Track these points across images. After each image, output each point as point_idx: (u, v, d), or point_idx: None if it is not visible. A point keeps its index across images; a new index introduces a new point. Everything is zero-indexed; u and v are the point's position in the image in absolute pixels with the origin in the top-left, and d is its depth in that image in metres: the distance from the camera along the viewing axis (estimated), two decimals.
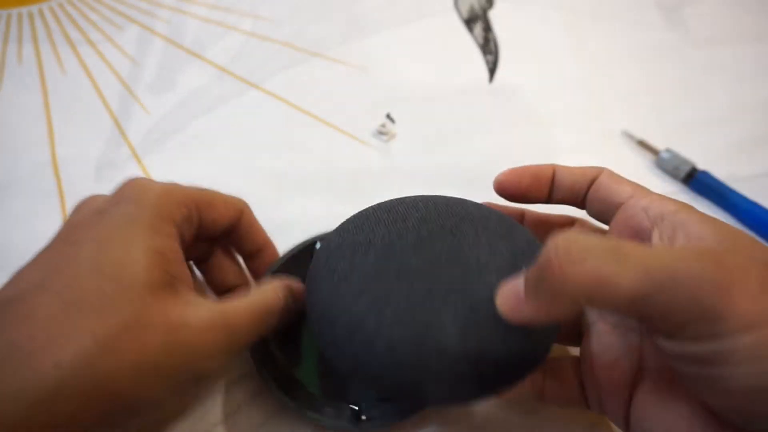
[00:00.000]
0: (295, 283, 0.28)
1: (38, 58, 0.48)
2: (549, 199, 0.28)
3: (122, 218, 0.23)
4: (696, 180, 0.40)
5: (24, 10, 0.52)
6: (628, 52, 0.50)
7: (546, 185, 0.27)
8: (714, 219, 0.22)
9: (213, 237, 0.29)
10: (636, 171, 0.41)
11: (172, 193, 0.25)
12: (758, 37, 0.51)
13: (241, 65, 0.48)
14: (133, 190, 0.25)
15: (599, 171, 0.26)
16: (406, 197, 0.27)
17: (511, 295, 0.21)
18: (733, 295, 0.18)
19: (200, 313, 0.23)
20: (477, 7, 0.54)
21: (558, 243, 0.18)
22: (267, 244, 0.31)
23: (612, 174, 0.26)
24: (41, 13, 0.52)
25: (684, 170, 0.40)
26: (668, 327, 0.19)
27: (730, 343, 0.18)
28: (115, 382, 0.20)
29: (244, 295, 0.25)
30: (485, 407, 0.30)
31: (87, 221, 0.24)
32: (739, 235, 0.21)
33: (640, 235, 0.24)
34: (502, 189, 0.27)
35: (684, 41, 0.51)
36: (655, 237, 0.22)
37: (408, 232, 0.24)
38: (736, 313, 0.18)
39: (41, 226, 0.31)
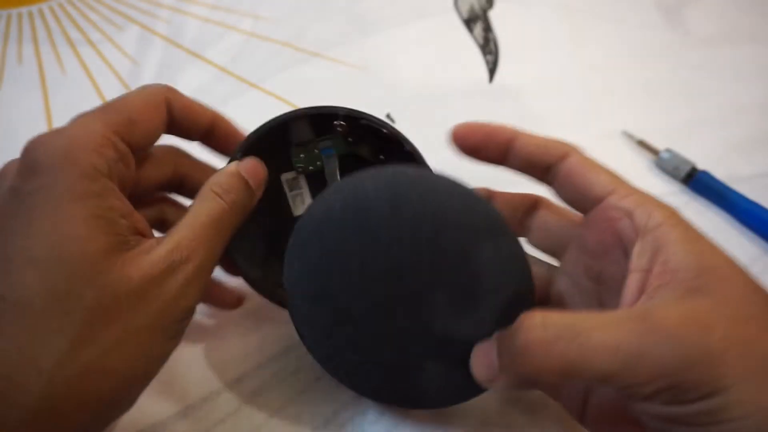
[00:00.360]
0: (251, 168, 0.26)
1: (38, 58, 0.48)
2: (505, 163, 0.27)
3: (42, 197, 0.21)
4: (696, 180, 0.40)
5: (24, 10, 0.52)
6: (628, 52, 0.50)
7: (499, 147, 0.26)
8: (697, 238, 0.21)
9: (148, 144, 0.26)
10: (636, 171, 0.41)
11: (84, 141, 0.22)
12: (758, 38, 0.51)
13: (241, 65, 0.48)
14: (42, 156, 0.22)
15: (566, 150, 0.25)
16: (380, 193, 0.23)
17: (484, 364, 0.22)
18: (720, 363, 0.18)
19: (156, 259, 0.22)
20: (477, 7, 0.54)
21: (525, 332, 0.20)
22: (216, 118, 0.28)
23: (584, 159, 0.25)
24: (41, 13, 0.52)
25: (684, 170, 0.40)
26: (643, 395, 0.19)
27: (724, 400, 0.18)
28: (105, 369, 0.21)
29: (186, 218, 0.24)
30: (485, 405, 0.29)
31: (4, 209, 0.21)
32: (718, 264, 0.21)
33: (623, 242, 0.23)
34: (455, 139, 0.26)
35: (684, 41, 0.51)
36: (636, 252, 0.22)
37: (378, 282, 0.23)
38: (727, 375, 0.18)
39: None
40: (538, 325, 0.19)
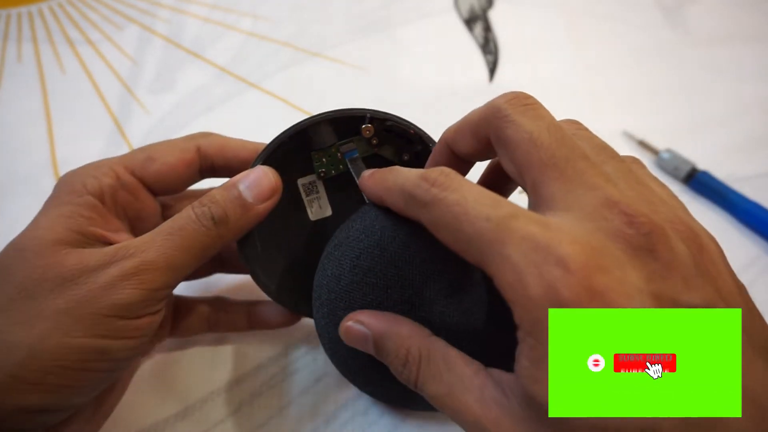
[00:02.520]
0: (254, 182, 0.25)
1: (38, 57, 0.48)
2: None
3: (41, 208, 0.25)
4: (696, 180, 0.40)
5: (24, 9, 0.52)
6: (628, 52, 0.50)
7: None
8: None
9: (177, 181, 0.28)
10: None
11: (88, 169, 0.26)
12: (758, 37, 0.51)
13: (240, 65, 0.48)
14: (59, 180, 0.26)
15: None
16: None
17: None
18: None
19: (99, 254, 0.23)
20: (477, 7, 0.54)
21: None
22: (252, 155, 0.28)
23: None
24: (41, 13, 0.52)
25: (684, 170, 0.40)
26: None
27: None
28: (11, 340, 0.21)
29: (159, 228, 0.24)
30: None
31: None
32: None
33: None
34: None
35: (684, 41, 0.51)
36: None
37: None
38: None
39: None
40: None
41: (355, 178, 0.27)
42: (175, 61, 0.48)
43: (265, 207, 0.25)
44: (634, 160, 0.23)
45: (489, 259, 0.18)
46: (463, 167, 0.25)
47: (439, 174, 0.21)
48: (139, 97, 0.45)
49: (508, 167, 0.21)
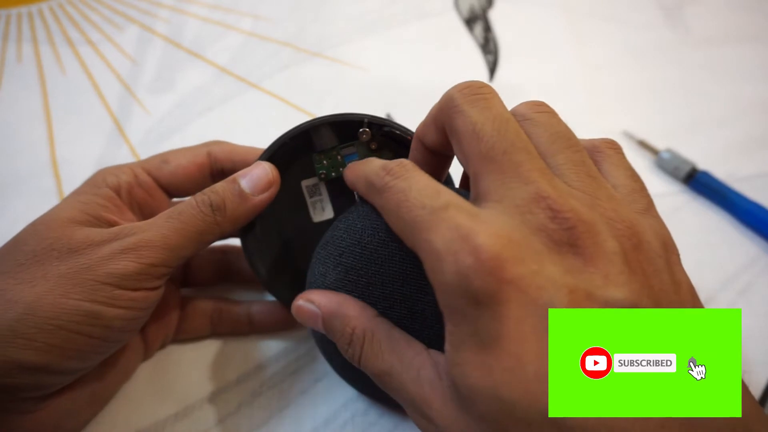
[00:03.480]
0: (256, 177, 0.27)
1: (38, 57, 0.48)
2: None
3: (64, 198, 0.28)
4: (696, 180, 0.40)
5: (24, 9, 0.52)
6: (628, 52, 0.50)
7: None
8: None
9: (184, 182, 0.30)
10: (636, 171, 0.41)
11: (111, 167, 0.29)
12: (758, 37, 0.51)
13: (241, 65, 0.48)
14: (85, 181, 0.29)
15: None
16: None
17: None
18: None
19: (105, 231, 0.25)
20: (477, 7, 0.54)
21: None
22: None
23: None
24: (41, 13, 0.52)
25: (684, 170, 0.40)
26: None
27: None
28: (12, 297, 0.23)
29: (164, 213, 0.26)
30: None
31: None
32: None
33: None
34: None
35: (684, 41, 0.51)
36: None
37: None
38: None
39: None
40: None
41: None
42: (175, 61, 0.48)
43: (261, 199, 0.27)
44: (609, 146, 0.23)
45: (419, 245, 0.19)
46: (441, 161, 0.25)
47: (397, 165, 0.22)
48: (139, 97, 0.45)
49: (459, 157, 0.22)
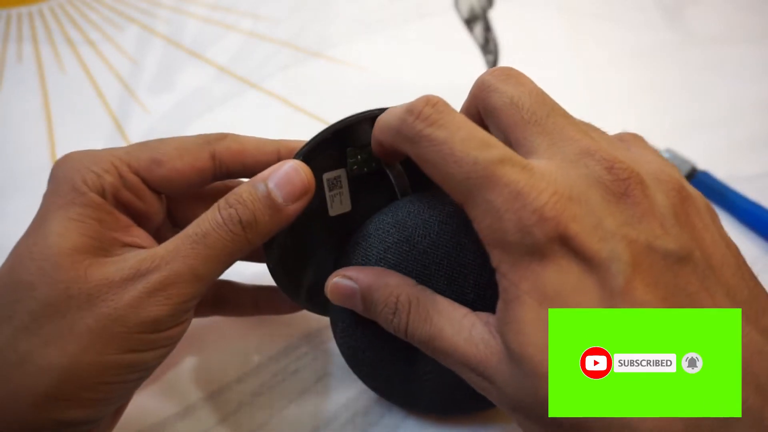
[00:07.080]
0: (283, 180, 0.23)
1: (38, 57, 0.48)
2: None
3: (44, 202, 0.23)
4: (696, 180, 0.40)
5: (24, 9, 0.52)
6: (628, 52, 0.50)
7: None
8: None
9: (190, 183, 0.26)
10: None
11: (87, 163, 0.24)
12: (759, 37, 0.51)
13: (241, 65, 0.48)
14: (55, 171, 0.24)
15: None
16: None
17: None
18: None
19: (122, 267, 0.22)
20: (477, 7, 0.54)
21: None
22: (283, 152, 0.27)
23: None
24: (41, 13, 0.52)
25: (684, 170, 0.40)
26: None
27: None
28: (43, 363, 0.20)
29: (182, 233, 0.22)
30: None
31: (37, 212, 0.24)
32: None
33: None
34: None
35: (684, 41, 0.51)
36: None
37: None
38: None
39: None
40: None
41: (391, 178, 0.28)
42: (175, 61, 0.48)
43: (295, 208, 0.23)
44: (635, 136, 0.25)
45: (473, 202, 0.19)
46: None
47: (425, 104, 0.21)
48: (139, 97, 0.45)
49: (496, 134, 0.22)
